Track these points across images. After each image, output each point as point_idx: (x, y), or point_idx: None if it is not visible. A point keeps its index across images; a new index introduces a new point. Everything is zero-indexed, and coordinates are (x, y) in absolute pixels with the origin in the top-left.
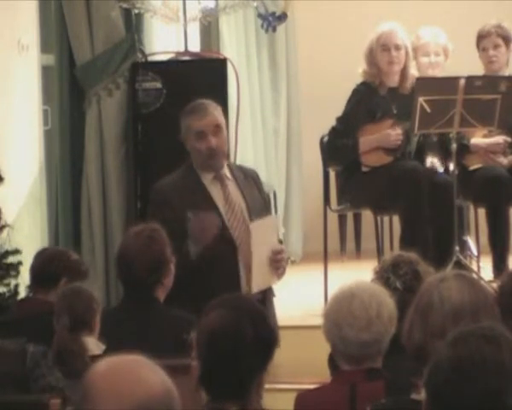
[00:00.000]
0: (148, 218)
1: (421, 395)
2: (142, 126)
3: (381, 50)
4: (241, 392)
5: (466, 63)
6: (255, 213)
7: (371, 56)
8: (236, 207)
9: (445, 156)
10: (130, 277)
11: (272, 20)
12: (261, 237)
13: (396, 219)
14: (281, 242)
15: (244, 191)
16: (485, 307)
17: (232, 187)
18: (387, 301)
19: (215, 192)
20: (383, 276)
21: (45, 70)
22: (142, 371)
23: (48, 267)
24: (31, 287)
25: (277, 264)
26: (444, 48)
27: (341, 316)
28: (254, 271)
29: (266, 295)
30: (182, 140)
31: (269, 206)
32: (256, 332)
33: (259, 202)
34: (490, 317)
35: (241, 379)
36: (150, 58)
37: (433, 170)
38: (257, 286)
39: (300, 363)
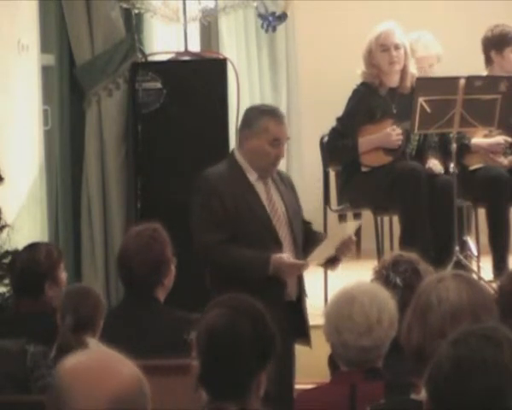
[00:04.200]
0: (193, 205)
1: (420, 395)
2: (142, 126)
3: (380, 51)
4: (240, 392)
5: (466, 63)
6: (293, 216)
7: (370, 57)
8: (279, 209)
9: (445, 156)
10: (131, 277)
11: (272, 20)
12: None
13: (396, 219)
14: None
15: (283, 194)
16: (483, 306)
17: (273, 189)
18: (389, 305)
19: (260, 191)
20: (383, 274)
21: (45, 70)
22: (112, 363)
23: (27, 280)
24: (16, 298)
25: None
26: (436, 56)
27: (341, 321)
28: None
29: (301, 295)
30: (241, 133)
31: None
32: (255, 331)
33: (295, 205)
34: (489, 316)
35: (240, 378)
36: (150, 58)
37: (433, 172)
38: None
39: (300, 363)
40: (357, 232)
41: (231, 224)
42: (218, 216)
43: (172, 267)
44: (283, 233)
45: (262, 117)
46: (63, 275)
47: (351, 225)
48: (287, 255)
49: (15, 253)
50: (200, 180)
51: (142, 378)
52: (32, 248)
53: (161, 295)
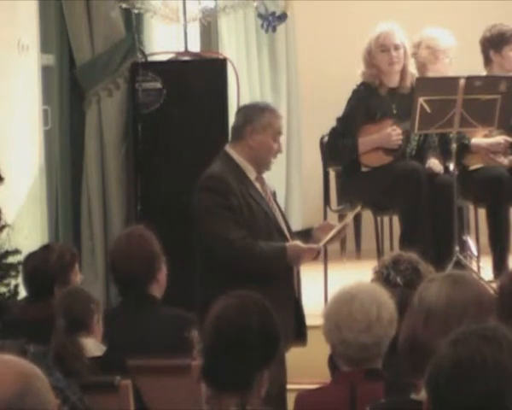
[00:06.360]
0: (209, 205)
1: (420, 395)
2: (142, 126)
3: (380, 51)
4: (242, 386)
5: (466, 63)
6: (283, 212)
7: (370, 57)
8: (275, 206)
9: (445, 156)
10: (125, 277)
11: (272, 20)
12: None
13: (396, 219)
14: None
15: (272, 193)
16: (470, 306)
17: (267, 189)
18: (388, 304)
19: (259, 189)
20: (383, 273)
21: (45, 70)
22: None
23: (37, 281)
24: (26, 299)
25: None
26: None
27: (341, 318)
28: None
29: (299, 294)
30: (242, 130)
31: None
32: (262, 327)
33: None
34: (479, 317)
35: (243, 372)
36: (150, 58)
37: (433, 172)
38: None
39: (300, 363)
40: (357, 232)
41: (246, 221)
42: (237, 214)
43: (163, 265)
44: (284, 227)
45: (264, 113)
46: (77, 278)
47: (348, 215)
48: (299, 241)
49: (16, 252)
50: (210, 180)
51: (29, 378)
52: (45, 249)
53: (157, 292)
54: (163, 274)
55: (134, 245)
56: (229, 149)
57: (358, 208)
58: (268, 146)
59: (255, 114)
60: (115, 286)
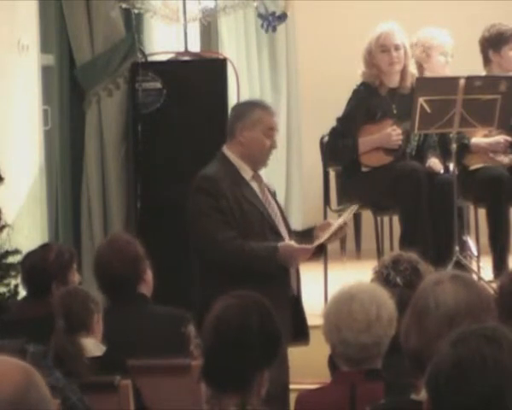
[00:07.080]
0: (201, 206)
1: (420, 396)
2: (142, 126)
3: (380, 51)
4: (242, 386)
5: (466, 63)
6: (283, 211)
7: (370, 57)
8: (274, 206)
9: (445, 156)
10: (117, 277)
11: (272, 20)
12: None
13: (396, 219)
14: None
15: (271, 192)
16: (481, 308)
17: (265, 187)
18: (387, 303)
19: (256, 189)
20: (383, 273)
21: (45, 70)
22: None
23: (34, 278)
24: (24, 298)
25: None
26: (452, 49)
27: (341, 318)
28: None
29: (299, 293)
30: (233, 128)
31: None
32: (262, 327)
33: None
34: (487, 318)
35: (243, 372)
36: (150, 58)
37: (433, 171)
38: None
39: (300, 363)
40: (357, 232)
41: (237, 222)
42: (227, 215)
43: (148, 267)
44: (281, 228)
45: (254, 109)
46: (75, 277)
47: (345, 214)
48: (293, 242)
49: (16, 252)
50: (203, 181)
51: (31, 375)
52: (44, 247)
53: (146, 291)
54: (149, 275)
55: (120, 248)
56: (225, 149)
57: (355, 207)
58: (259, 142)
59: (245, 110)
60: (101, 290)
